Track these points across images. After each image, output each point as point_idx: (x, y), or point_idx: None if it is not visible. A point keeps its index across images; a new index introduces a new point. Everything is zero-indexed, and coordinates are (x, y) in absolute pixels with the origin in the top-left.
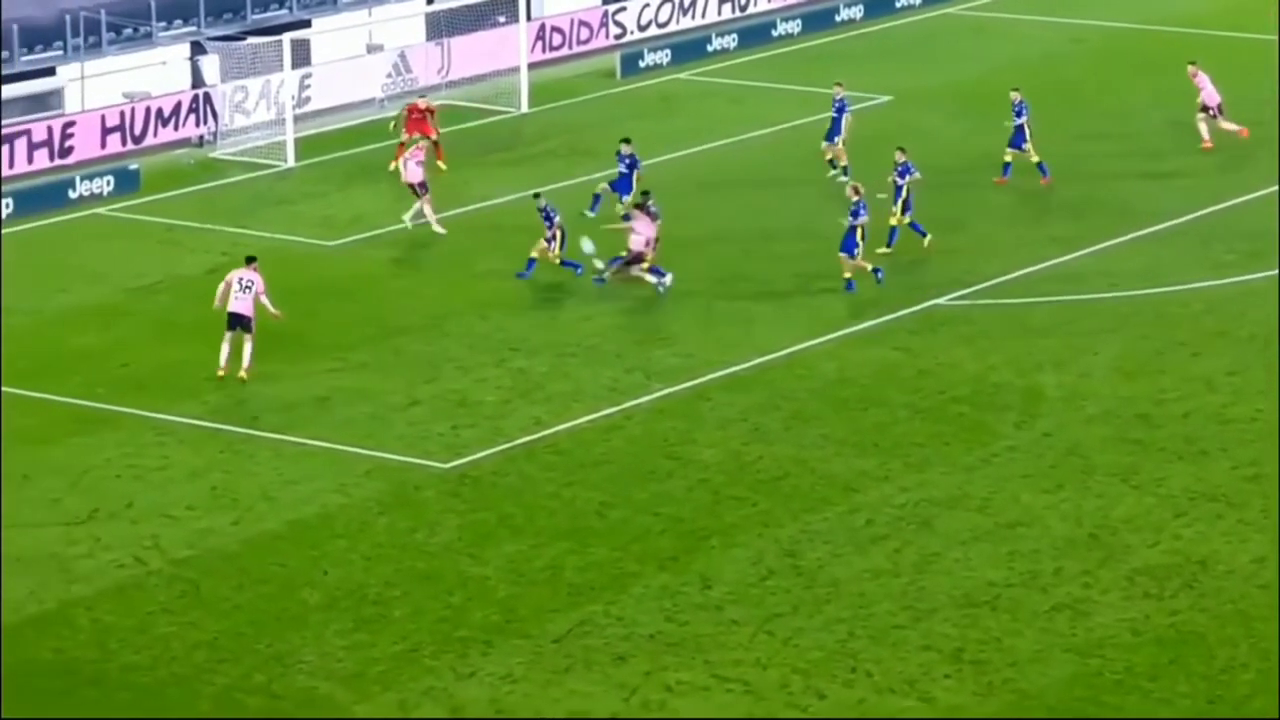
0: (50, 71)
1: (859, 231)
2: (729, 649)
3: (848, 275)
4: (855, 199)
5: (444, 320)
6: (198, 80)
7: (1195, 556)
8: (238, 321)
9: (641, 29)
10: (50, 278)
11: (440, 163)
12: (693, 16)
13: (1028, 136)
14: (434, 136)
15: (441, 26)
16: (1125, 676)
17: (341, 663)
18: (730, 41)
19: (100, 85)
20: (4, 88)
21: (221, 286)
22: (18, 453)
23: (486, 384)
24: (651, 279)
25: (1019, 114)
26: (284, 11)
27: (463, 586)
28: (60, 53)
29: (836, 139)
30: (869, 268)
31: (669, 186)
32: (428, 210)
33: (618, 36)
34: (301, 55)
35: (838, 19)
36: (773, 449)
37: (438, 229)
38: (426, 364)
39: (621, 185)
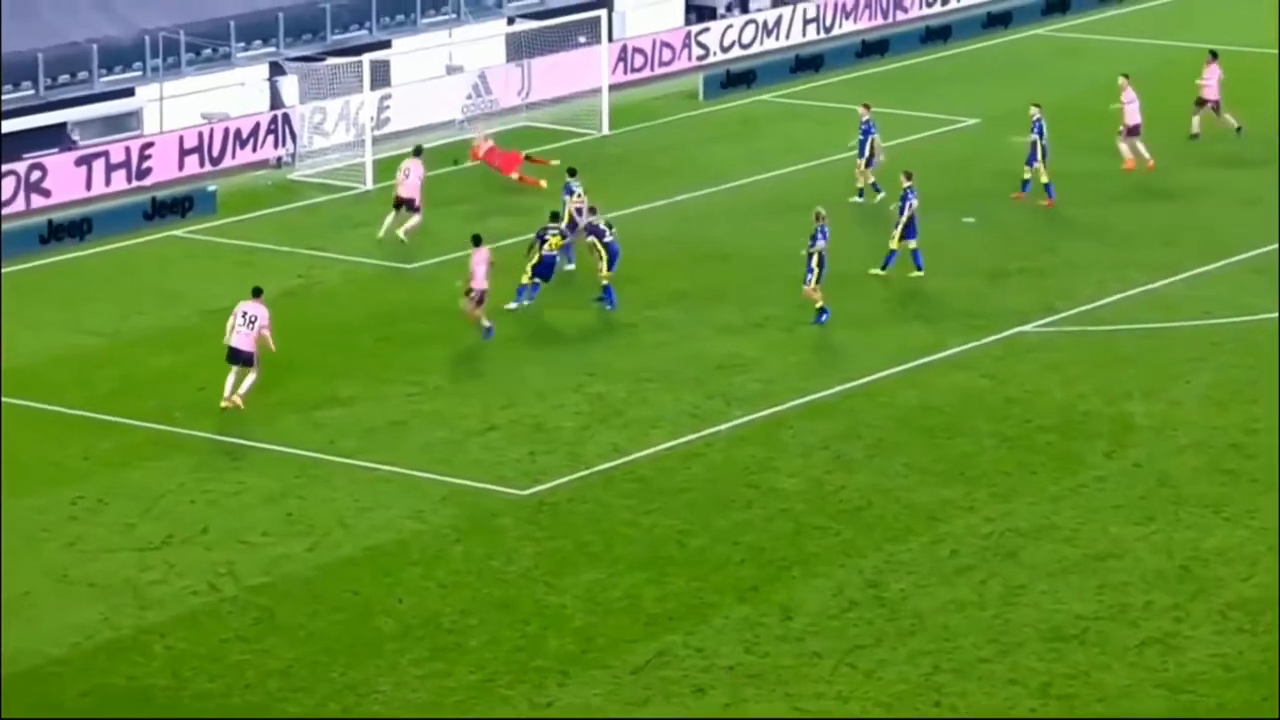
0: (129, 92)
1: (814, 258)
2: (810, 682)
3: (818, 304)
4: (817, 224)
5: (521, 344)
6: (276, 101)
7: None
8: (237, 356)
9: (725, 50)
10: (127, 300)
11: (542, 183)
12: (777, 37)
13: (1040, 156)
14: (514, 175)
15: (522, 47)
16: (1217, 713)
17: (416, 692)
18: (815, 63)
19: (179, 106)
20: (83, 109)
21: (230, 320)
22: (94, 477)
23: (564, 409)
24: (484, 323)
25: (1038, 132)
26: (363, 32)
27: (539, 615)
28: (139, 74)
29: (860, 160)
30: (818, 303)
31: (751, 209)
32: (411, 222)
33: (700, 58)
34: (381, 76)
35: (924, 41)
36: (855, 478)
37: (381, 233)
38: (504, 389)
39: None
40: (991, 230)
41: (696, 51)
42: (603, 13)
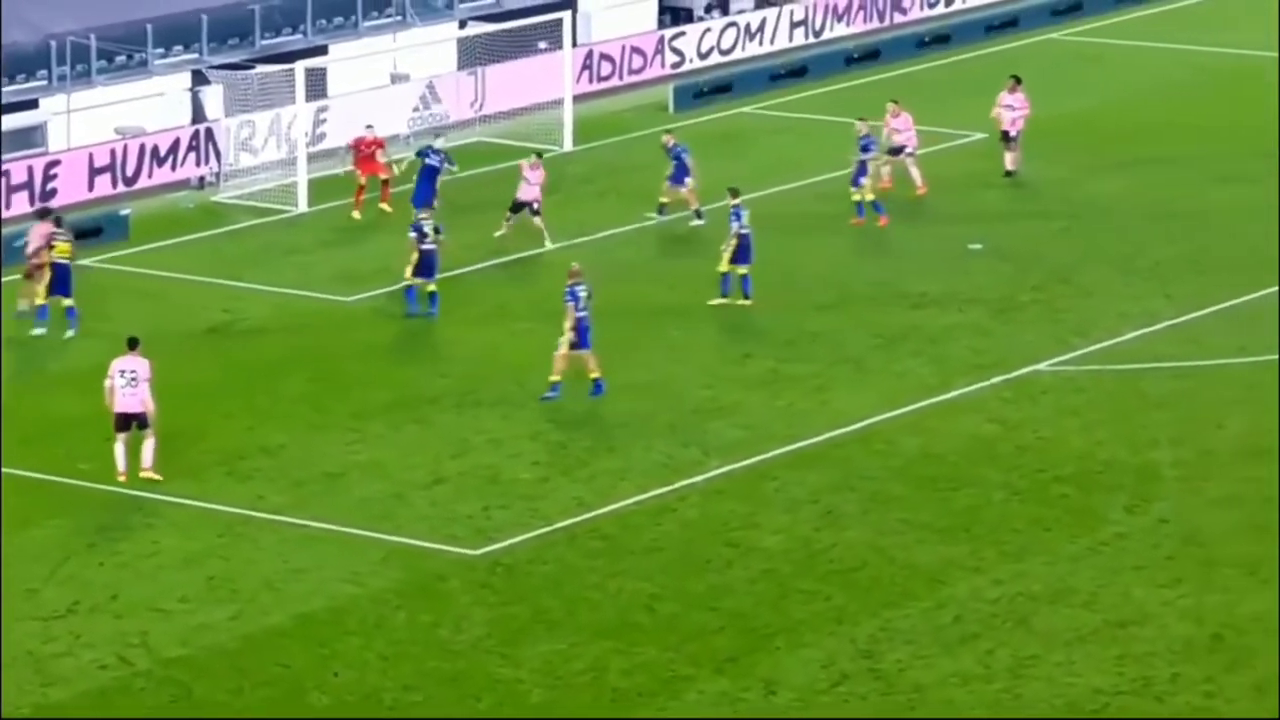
0: (32, 104)
1: (584, 320)
2: None
3: (554, 377)
4: (570, 282)
5: (475, 386)
6: (199, 114)
7: None
8: (129, 421)
9: (702, 57)
10: (26, 339)
11: (384, 205)
12: (760, 43)
13: (865, 174)
14: (384, 175)
15: (476, 54)
16: None
17: None
18: (802, 71)
19: (89, 120)
20: None
21: (107, 382)
22: None
23: (521, 459)
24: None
25: (866, 148)
26: (297, 37)
27: (492, 690)
28: (44, 83)
29: (687, 180)
30: (591, 372)
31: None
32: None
33: (675, 65)
34: (316, 86)
35: (924, 45)
36: (847, 535)
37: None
38: (453, 436)
39: (423, 192)
40: (1000, 257)
41: (670, 58)
42: (566, 15)
